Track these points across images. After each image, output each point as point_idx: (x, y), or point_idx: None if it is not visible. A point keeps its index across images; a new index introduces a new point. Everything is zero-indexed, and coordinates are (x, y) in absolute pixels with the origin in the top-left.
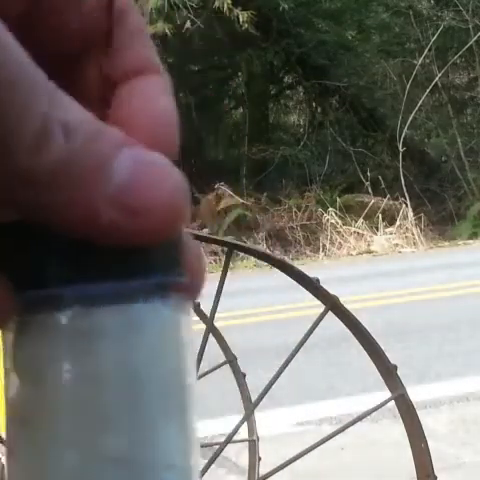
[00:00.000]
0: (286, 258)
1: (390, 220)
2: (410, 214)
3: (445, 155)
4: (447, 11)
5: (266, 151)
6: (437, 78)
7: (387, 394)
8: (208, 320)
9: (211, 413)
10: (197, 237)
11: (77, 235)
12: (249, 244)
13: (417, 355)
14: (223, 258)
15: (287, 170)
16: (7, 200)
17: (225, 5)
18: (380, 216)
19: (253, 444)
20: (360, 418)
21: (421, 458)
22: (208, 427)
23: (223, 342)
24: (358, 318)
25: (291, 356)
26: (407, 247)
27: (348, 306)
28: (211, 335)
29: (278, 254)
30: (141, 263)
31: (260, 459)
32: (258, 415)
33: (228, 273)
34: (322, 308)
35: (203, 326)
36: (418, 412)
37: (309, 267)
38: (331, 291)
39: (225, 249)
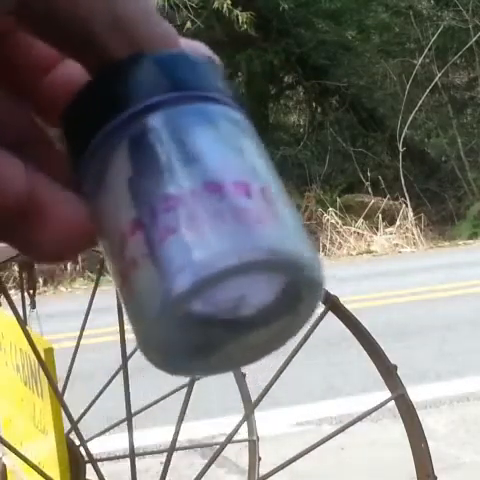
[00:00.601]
0: None
1: (390, 220)
2: (410, 214)
3: (445, 155)
4: (447, 11)
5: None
6: (437, 78)
7: (387, 394)
8: None
9: (211, 413)
10: None
11: None
12: None
13: (417, 355)
14: None
15: (287, 170)
16: None
17: (225, 5)
18: (380, 216)
19: (253, 444)
20: (360, 418)
21: (421, 458)
22: (208, 427)
23: None
24: (358, 318)
25: (291, 356)
26: (407, 247)
27: (348, 306)
28: None
29: None
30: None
31: (260, 459)
32: (258, 415)
33: None
34: (322, 308)
35: None
36: (418, 412)
37: None
38: (331, 291)
39: None
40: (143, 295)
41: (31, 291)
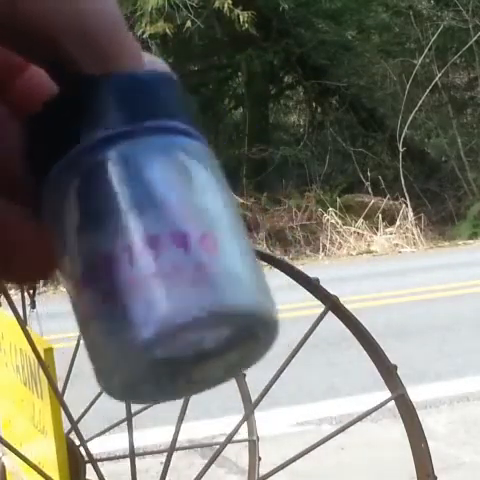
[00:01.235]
0: (286, 258)
1: (390, 220)
2: (410, 214)
3: (445, 155)
4: (447, 11)
5: (266, 151)
6: (437, 78)
7: (387, 394)
8: None
9: (211, 413)
10: None
11: None
12: None
13: (417, 355)
14: None
15: (287, 170)
16: None
17: (225, 5)
18: (380, 216)
19: (253, 444)
20: (360, 418)
21: (421, 458)
22: (208, 427)
23: None
24: (358, 318)
25: (291, 356)
26: (407, 247)
27: (348, 306)
28: None
29: (278, 254)
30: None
31: (260, 459)
32: (258, 415)
33: None
34: (322, 308)
35: None
36: (418, 412)
37: (309, 267)
38: (331, 291)
39: None
40: (103, 344)
41: (31, 291)
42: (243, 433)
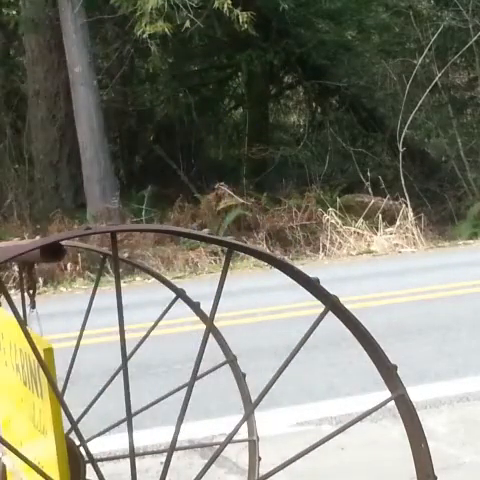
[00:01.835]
0: (286, 258)
1: (390, 220)
2: (410, 214)
3: (445, 155)
4: (447, 11)
5: (266, 151)
6: (437, 78)
7: (387, 394)
8: (208, 320)
9: (211, 413)
10: (197, 237)
11: None
12: (249, 244)
13: (417, 355)
14: (223, 258)
15: (287, 170)
16: None
17: (225, 5)
18: (380, 216)
19: (253, 444)
20: (360, 418)
21: (421, 458)
22: (208, 427)
23: (223, 342)
24: (358, 318)
25: (291, 356)
26: (407, 247)
27: (348, 306)
28: (211, 335)
29: (278, 254)
30: None
31: (260, 459)
32: (258, 415)
33: (228, 273)
34: (322, 308)
35: (203, 326)
36: (418, 412)
37: (309, 267)
38: (331, 291)
39: (225, 249)
40: None
41: (31, 291)
42: (243, 433)
